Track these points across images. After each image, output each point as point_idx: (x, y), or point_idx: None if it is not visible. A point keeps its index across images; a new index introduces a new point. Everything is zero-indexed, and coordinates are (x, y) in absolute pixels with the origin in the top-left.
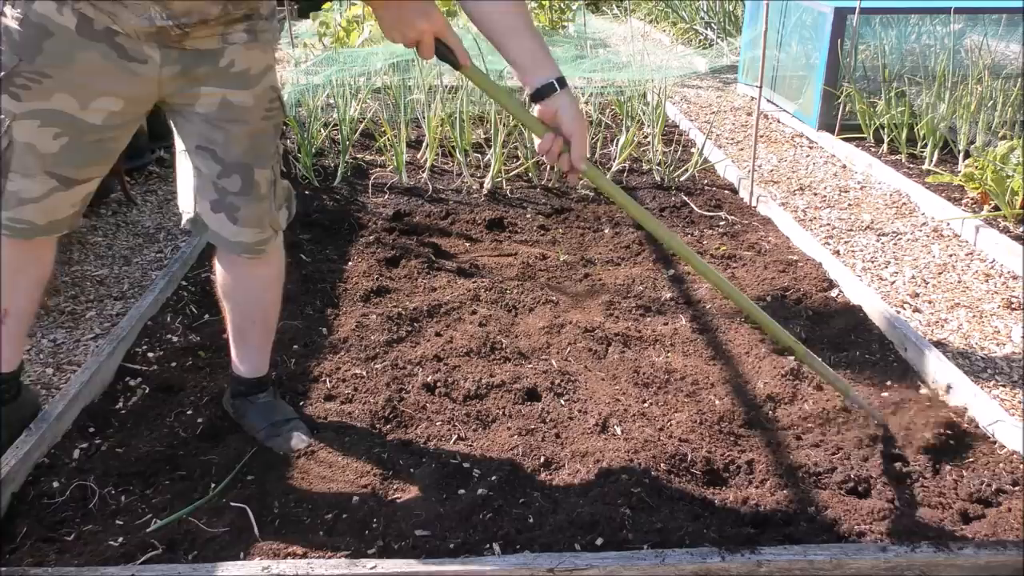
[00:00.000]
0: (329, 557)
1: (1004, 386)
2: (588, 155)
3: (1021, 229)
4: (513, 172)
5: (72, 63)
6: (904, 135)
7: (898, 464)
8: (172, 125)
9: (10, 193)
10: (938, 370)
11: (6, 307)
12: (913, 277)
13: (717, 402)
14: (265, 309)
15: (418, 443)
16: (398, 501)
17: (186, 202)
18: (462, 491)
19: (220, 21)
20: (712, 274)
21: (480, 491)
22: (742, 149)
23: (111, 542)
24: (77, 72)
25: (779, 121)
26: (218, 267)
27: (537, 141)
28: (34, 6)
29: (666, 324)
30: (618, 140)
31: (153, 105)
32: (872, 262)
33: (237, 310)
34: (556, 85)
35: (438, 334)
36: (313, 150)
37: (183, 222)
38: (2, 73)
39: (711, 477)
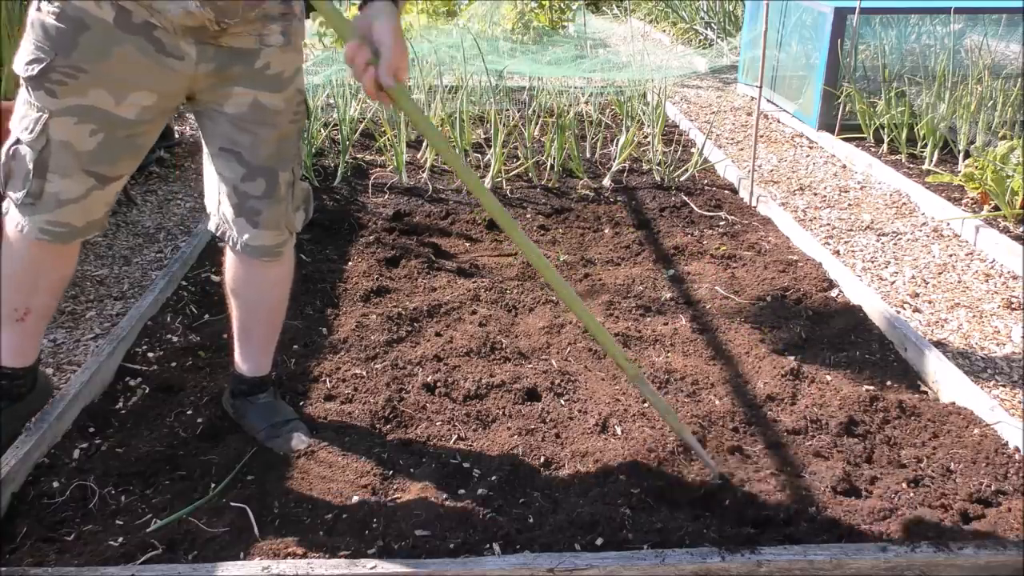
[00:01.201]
0: (329, 557)
1: (1004, 386)
2: (405, 80)
3: (1021, 229)
4: (513, 172)
5: (109, 57)
6: (904, 135)
7: (898, 464)
8: (198, 126)
9: (49, 195)
10: (938, 370)
11: (28, 306)
12: (913, 277)
13: (717, 402)
14: (272, 307)
15: (418, 443)
16: (398, 501)
17: (211, 204)
18: (462, 491)
19: (256, 18)
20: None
21: (480, 491)
22: (742, 149)
23: (111, 542)
24: (113, 66)
25: (779, 121)
26: (228, 263)
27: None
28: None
29: (666, 324)
30: (618, 140)
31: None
32: (872, 262)
33: (244, 307)
34: None
35: (438, 334)
36: (313, 150)
37: (209, 224)
38: (39, 69)
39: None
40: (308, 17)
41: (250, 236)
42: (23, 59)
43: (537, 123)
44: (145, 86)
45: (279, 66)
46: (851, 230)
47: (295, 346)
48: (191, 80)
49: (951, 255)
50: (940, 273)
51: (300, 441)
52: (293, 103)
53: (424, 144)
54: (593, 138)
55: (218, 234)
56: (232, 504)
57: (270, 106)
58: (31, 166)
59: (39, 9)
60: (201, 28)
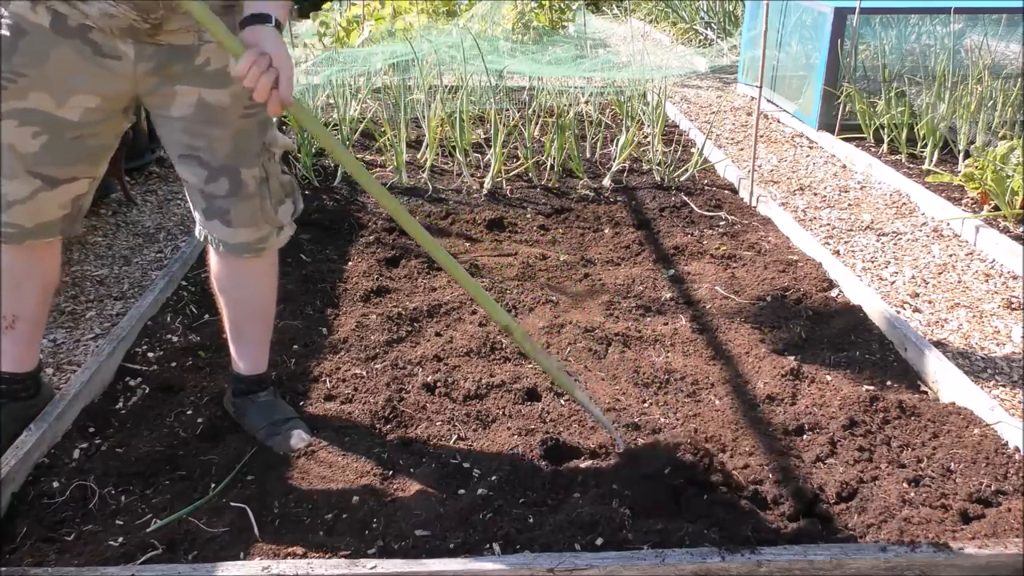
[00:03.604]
0: (329, 557)
1: (1004, 386)
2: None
3: (1021, 229)
4: (513, 172)
5: (47, 61)
6: (904, 135)
7: (898, 464)
8: (159, 137)
9: None
10: (938, 370)
11: (15, 313)
12: (913, 277)
13: (717, 402)
14: (261, 302)
15: (418, 443)
16: (398, 501)
17: (193, 210)
18: (462, 491)
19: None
20: (441, 253)
21: (480, 491)
22: (742, 149)
23: (111, 542)
24: (52, 69)
25: (779, 121)
26: (212, 262)
27: (234, 64)
28: (9, 6)
29: (666, 324)
30: (618, 140)
31: (135, 102)
32: (872, 262)
33: (232, 305)
34: (272, 20)
35: (438, 334)
36: (313, 150)
37: (195, 231)
38: None
39: (711, 477)
40: (308, 17)
41: (227, 235)
42: None
43: (537, 123)
44: (86, 88)
45: (221, 61)
46: (851, 230)
47: (295, 346)
48: (132, 81)
49: (951, 255)
50: (940, 273)
51: (300, 440)
52: (243, 98)
53: (424, 144)
54: (593, 138)
55: (201, 239)
56: (232, 504)
57: (215, 103)
58: None
59: None
60: (133, 27)
